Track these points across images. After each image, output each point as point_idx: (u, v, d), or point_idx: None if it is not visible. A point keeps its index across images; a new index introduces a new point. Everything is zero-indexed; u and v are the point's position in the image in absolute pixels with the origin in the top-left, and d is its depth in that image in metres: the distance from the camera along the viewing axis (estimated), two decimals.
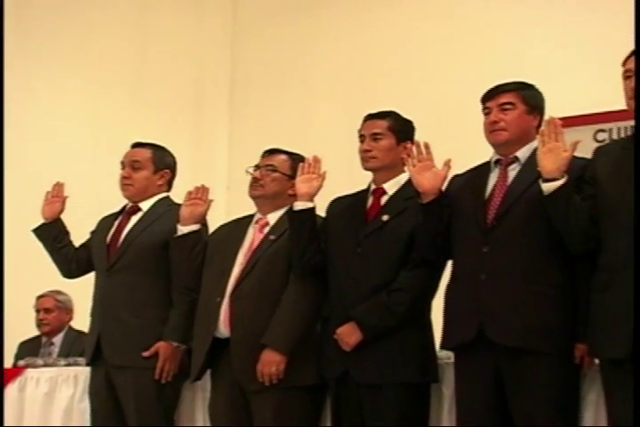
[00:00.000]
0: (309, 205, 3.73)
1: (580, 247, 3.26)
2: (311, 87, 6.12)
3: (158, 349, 3.99)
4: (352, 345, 3.57)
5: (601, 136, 5.01)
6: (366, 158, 3.73)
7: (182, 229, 3.98)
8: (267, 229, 3.93)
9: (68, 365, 4.55)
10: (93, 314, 4.19)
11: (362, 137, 3.77)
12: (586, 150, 3.33)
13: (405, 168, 3.63)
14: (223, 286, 3.85)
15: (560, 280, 3.30)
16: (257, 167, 3.98)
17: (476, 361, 3.35)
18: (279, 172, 3.94)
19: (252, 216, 4.02)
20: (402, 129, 3.75)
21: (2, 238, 4.36)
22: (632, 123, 3.34)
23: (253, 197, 3.99)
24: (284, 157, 3.99)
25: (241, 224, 4.03)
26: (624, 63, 3.28)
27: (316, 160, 3.77)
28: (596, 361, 3.28)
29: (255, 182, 3.96)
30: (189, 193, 4.02)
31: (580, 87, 4.98)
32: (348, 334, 3.57)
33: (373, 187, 3.77)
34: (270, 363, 3.70)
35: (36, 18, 6.38)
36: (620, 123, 4.83)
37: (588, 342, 3.22)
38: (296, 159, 3.93)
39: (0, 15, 5.14)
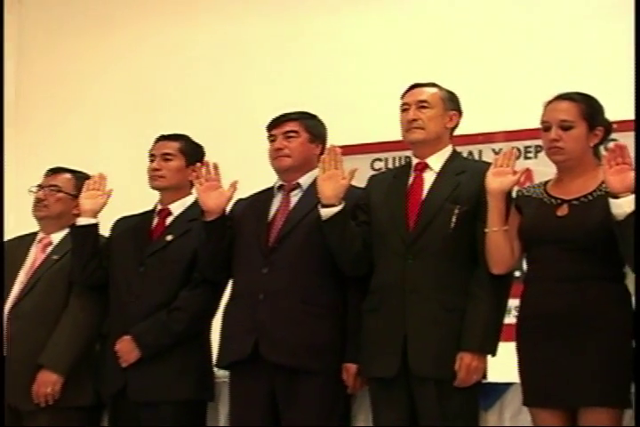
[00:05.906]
0: (92, 221, 3.72)
1: (353, 270, 3.38)
2: (98, 108, 6.03)
3: None
4: (130, 362, 3.57)
5: (377, 165, 5.15)
6: (155, 177, 3.76)
7: None
8: (50, 249, 3.89)
9: None
10: None
11: (152, 157, 3.79)
12: (363, 178, 3.45)
13: (193, 190, 3.68)
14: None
15: (333, 302, 3.40)
16: (40, 187, 3.92)
17: (250, 379, 3.40)
18: (63, 192, 3.91)
19: (35, 234, 3.96)
20: (192, 152, 3.79)
21: (1, 239, 4.08)
22: (407, 153, 3.50)
23: (37, 218, 3.93)
24: (68, 175, 3.95)
25: (23, 242, 3.96)
26: (402, 96, 3.44)
27: (102, 177, 3.77)
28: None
29: (39, 203, 3.91)
30: None
31: (359, 118, 5.10)
32: (127, 352, 3.58)
33: (159, 207, 3.80)
34: (46, 383, 3.66)
35: None
36: (396, 153, 4.96)
37: (358, 361, 3.31)
38: (80, 178, 3.90)
39: (0, 15, 4.99)
